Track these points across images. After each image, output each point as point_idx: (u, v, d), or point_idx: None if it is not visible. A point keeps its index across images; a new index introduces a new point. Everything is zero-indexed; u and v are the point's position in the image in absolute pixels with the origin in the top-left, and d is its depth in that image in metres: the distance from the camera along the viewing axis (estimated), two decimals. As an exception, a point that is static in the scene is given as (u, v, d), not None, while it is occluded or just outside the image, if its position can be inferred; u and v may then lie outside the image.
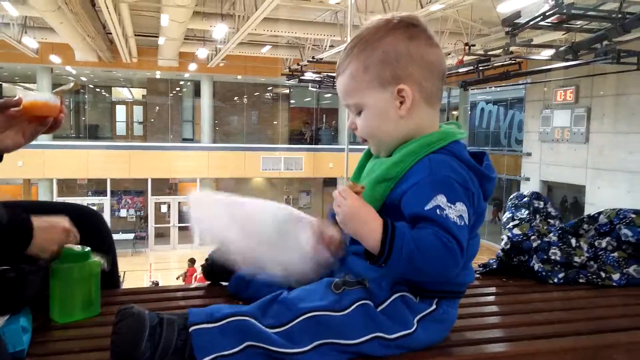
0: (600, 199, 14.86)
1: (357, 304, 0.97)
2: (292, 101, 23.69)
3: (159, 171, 18.23)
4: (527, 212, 1.60)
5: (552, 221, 1.64)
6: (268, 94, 23.43)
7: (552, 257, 1.50)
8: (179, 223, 19.09)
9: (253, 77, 20.68)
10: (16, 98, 1.15)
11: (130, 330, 0.88)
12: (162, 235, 19.11)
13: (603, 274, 1.47)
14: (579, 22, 8.29)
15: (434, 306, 1.01)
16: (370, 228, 0.93)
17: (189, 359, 0.89)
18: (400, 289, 1.00)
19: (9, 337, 0.97)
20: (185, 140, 21.82)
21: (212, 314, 0.93)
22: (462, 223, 0.92)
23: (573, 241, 1.53)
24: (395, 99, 1.02)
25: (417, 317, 1.00)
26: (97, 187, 19.51)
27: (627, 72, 12.26)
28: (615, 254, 1.50)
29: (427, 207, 0.93)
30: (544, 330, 1.14)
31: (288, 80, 19.24)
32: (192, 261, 11.87)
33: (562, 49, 8.29)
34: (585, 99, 14.43)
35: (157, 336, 0.89)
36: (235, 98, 22.79)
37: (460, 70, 11.75)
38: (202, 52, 15.03)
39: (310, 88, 19.80)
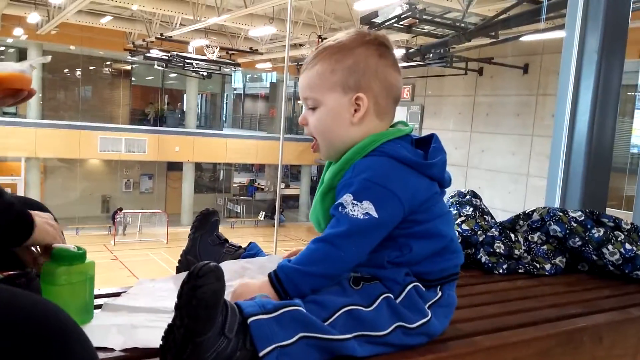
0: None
1: (380, 298, 1.02)
2: (133, 79, 22.28)
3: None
4: (471, 208, 1.76)
5: (486, 217, 1.82)
6: (107, 69, 21.74)
7: (497, 250, 1.67)
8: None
9: (90, 49, 19.05)
10: None
11: (212, 293, 0.84)
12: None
13: (537, 265, 1.68)
14: (426, 27, 9.08)
15: (439, 293, 1.09)
16: (259, 288, 1.00)
17: (250, 348, 0.87)
18: (410, 279, 1.06)
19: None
20: (6, 114, 19.35)
21: (264, 305, 0.91)
22: (368, 217, 0.99)
23: (512, 235, 1.73)
24: (352, 105, 1.08)
25: (427, 305, 1.07)
26: None
27: (456, 76, 13.76)
28: (545, 247, 1.72)
29: (334, 206, 1.03)
30: (522, 319, 1.28)
31: (132, 57, 18.09)
32: None
33: (411, 50, 9.01)
34: (420, 98, 15.87)
35: (224, 312, 0.87)
36: (67, 71, 20.79)
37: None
38: (33, 17, 13.45)
39: (156, 66, 18.86)
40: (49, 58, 1.25)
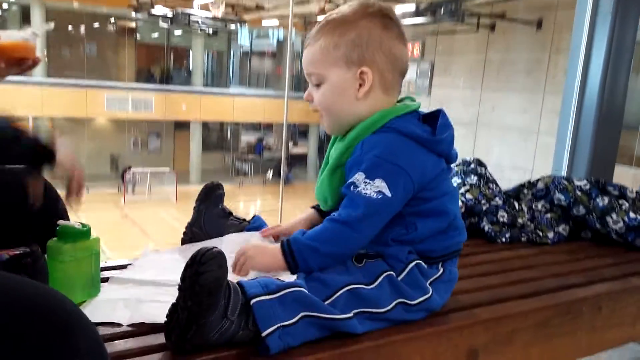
0: (437, 147, 16.42)
1: (382, 276, 1.03)
2: (138, 37, 21.99)
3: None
4: (475, 177, 1.75)
5: (491, 185, 1.82)
6: (111, 27, 21.44)
7: (500, 219, 1.67)
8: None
9: (93, 5, 18.76)
10: None
11: (214, 280, 0.86)
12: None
13: (540, 233, 1.69)
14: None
15: (440, 269, 1.11)
16: (272, 257, 1.03)
17: (252, 328, 0.89)
18: (413, 257, 1.07)
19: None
20: (12, 73, 19.25)
21: (266, 286, 0.93)
22: (381, 196, 1.00)
23: (516, 204, 1.73)
24: (356, 80, 1.07)
25: (429, 281, 1.08)
26: None
27: (467, 33, 13.48)
28: (548, 215, 1.72)
29: (346, 185, 1.03)
30: (522, 289, 1.30)
31: (136, 14, 17.79)
32: None
33: (422, 6, 8.80)
34: (430, 55, 15.59)
35: (227, 294, 0.89)
36: (72, 28, 20.52)
37: (320, 18, 11.97)
38: (35, -27, 13.20)
39: (161, 24, 18.58)
40: (52, 25, 1.28)
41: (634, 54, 2.51)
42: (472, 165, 1.80)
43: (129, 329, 0.98)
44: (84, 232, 1.06)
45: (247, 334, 0.89)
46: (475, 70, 14.54)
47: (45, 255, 1.03)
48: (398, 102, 1.13)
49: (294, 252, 1.01)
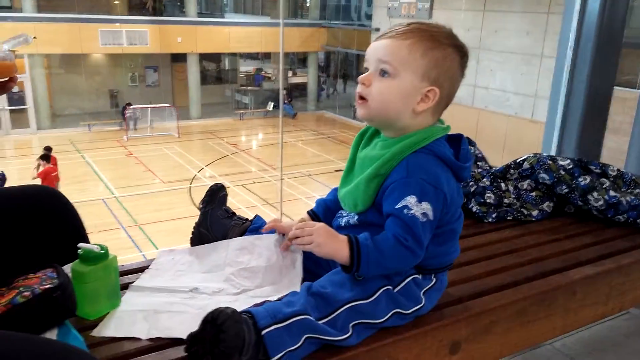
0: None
1: (380, 290, 1.14)
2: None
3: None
4: (464, 159, 1.84)
5: (480, 163, 1.91)
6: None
7: (488, 200, 1.78)
8: (8, 106, 17.08)
9: None
10: None
11: (236, 338, 0.96)
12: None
13: (525, 212, 1.79)
14: None
15: (433, 280, 1.22)
16: (340, 248, 1.10)
17: (263, 357, 1.01)
18: (411, 272, 1.18)
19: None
20: (2, 8, 18.75)
21: (275, 315, 1.03)
22: (425, 219, 1.09)
23: (502, 185, 1.82)
24: (422, 94, 1.13)
25: (422, 291, 1.20)
26: None
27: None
28: (534, 194, 1.83)
29: (397, 206, 1.09)
30: (503, 279, 1.42)
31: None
32: (44, 157, 10.59)
33: None
34: (430, -24, 15.04)
35: (245, 336, 0.98)
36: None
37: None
38: None
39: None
40: (31, 39, 1.13)
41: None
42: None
43: (149, 343, 1.11)
44: (103, 254, 1.17)
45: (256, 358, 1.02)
46: (478, -7, 14.08)
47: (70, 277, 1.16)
48: None
49: (361, 254, 1.08)
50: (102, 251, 1.18)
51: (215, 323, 0.95)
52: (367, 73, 1.16)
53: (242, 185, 13.23)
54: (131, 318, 1.18)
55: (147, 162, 14.75)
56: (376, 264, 1.09)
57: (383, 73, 1.13)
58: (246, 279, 1.29)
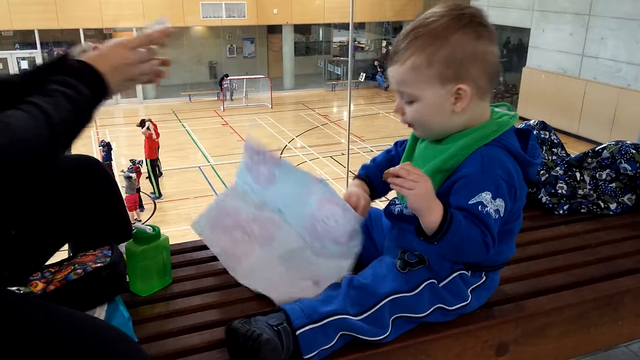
0: (543, 42, 15.20)
1: (424, 283, 1.10)
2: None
3: (90, 20, 16.93)
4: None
5: (555, 150, 1.78)
6: None
7: (559, 191, 1.66)
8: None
9: None
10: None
11: (272, 353, 0.97)
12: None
13: (602, 204, 1.65)
14: None
15: (483, 278, 1.16)
16: (434, 210, 1.02)
17: (295, 355, 1.01)
18: (458, 267, 1.13)
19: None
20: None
21: (310, 315, 1.03)
22: (497, 216, 1.03)
23: (577, 175, 1.69)
24: (452, 95, 1.06)
25: (470, 288, 1.15)
26: (23, 38, 18.03)
27: None
28: (613, 185, 1.67)
29: (471, 202, 1.03)
30: (565, 279, 1.32)
31: None
32: (142, 123, 11.40)
33: None
34: None
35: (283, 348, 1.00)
36: None
37: None
38: None
39: None
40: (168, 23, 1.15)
41: None
42: (535, 132, 1.75)
43: (193, 323, 1.15)
44: (155, 235, 1.23)
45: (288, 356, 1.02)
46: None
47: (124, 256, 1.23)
48: (494, 105, 1.15)
49: (451, 225, 1.01)
50: (154, 232, 1.24)
51: (250, 348, 0.96)
52: (397, 102, 1.13)
53: (330, 156, 13.32)
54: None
55: (242, 132, 15.23)
56: (456, 244, 1.02)
57: (408, 101, 1.10)
58: (327, 237, 1.24)
